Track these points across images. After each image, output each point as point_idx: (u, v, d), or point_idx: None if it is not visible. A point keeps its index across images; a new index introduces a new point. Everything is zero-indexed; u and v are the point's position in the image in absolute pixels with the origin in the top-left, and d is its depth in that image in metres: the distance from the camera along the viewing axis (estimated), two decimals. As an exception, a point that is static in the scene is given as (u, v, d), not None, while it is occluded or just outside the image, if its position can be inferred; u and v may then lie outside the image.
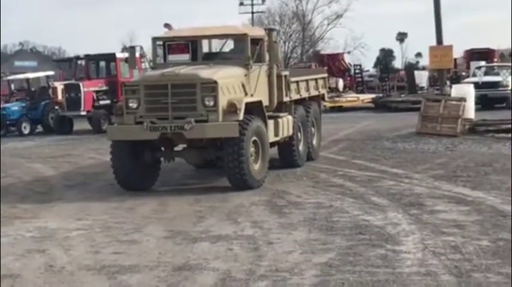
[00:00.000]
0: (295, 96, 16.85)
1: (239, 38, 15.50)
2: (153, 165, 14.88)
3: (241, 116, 13.78)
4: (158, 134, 13.80)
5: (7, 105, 34.25)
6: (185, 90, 13.74)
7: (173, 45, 15.77)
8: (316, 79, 18.73)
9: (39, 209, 12.88)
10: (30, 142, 28.25)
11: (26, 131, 32.26)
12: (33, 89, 35.04)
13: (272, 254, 9.02)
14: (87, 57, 33.66)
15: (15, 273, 8.51)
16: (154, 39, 15.80)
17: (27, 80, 35.82)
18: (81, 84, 31.29)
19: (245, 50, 15.08)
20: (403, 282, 7.58)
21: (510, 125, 22.02)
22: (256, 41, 15.36)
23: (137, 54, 16.60)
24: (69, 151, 23.17)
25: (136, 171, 14.40)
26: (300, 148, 17.09)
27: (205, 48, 16.11)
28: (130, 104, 13.99)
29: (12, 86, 38.15)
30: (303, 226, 10.65)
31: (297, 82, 17.11)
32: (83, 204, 13.24)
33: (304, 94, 17.60)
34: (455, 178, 14.61)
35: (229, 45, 16.42)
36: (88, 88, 31.38)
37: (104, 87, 31.94)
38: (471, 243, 9.13)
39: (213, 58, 15.65)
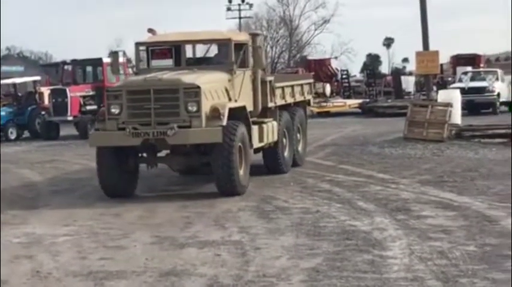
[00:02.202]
0: (280, 101, 16.71)
1: (223, 43, 15.42)
2: (134, 171, 14.67)
3: (224, 122, 13.60)
4: (140, 140, 13.59)
5: (-6, 110, 34.10)
6: (168, 95, 13.59)
7: (156, 50, 15.72)
8: (301, 85, 18.61)
9: (27, 215, 12.84)
10: (17, 147, 28.17)
11: (13, 137, 32.15)
12: (20, 94, 34.94)
13: (259, 259, 9.03)
14: (74, 62, 33.65)
15: (3, 279, 8.47)
16: (138, 44, 15.66)
17: (14, 85, 35.69)
18: (67, 90, 31.23)
19: (229, 55, 14.97)
20: (390, 287, 7.61)
21: (499, 131, 22.16)
22: (240, 46, 15.25)
23: (121, 60, 16.48)
24: (56, 157, 23.11)
25: (121, 177, 14.21)
26: (286, 154, 16.91)
27: (189, 53, 16.07)
28: (113, 110, 13.77)
29: (-1, 91, 38.00)
30: (290, 231, 10.66)
31: (282, 87, 16.98)
32: (70, 210, 13.20)
33: (289, 100, 17.46)
34: (442, 183, 14.67)
35: (214, 50, 16.37)
36: (75, 93, 31.31)
37: (91, 93, 31.87)
38: (458, 248, 9.16)
39: (196, 63, 15.58)
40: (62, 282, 8.33)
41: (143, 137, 13.55)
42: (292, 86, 17.73)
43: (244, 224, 11.31)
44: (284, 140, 16.87)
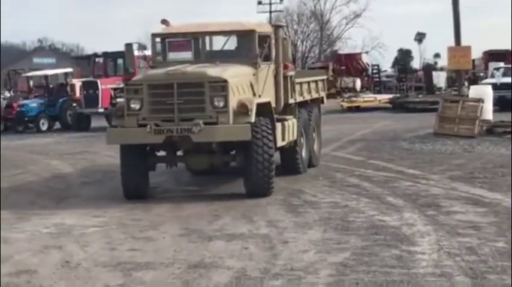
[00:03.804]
0: (298, 98, 15.87)
1: (246, 35, 14.44)
2: (150, 171, 13.82)
3: (253, 118, 12.80)
4: (163, 137, 12.77)
5: (26, 101, 34.47)
6: (192, 90, 12.78)
7: (174, 42, 14.87)
8: (316, 81, 17.73)
9: (57, 206, 12.94)
10: (48, 139, 28.41)
11: (44, 128, 32.47)
12: (51, 86, 35.25)
13: (287, 253, 9.03)
14: (105, 54, 33.85)
15: (32, 269, 8.56)
16: (154, 35, 14.67)
17: (46, 77, 36.01)
18: (99, 82, 31.48)
19: (252, 47, 14.16)
20: (418, 283, 7.56)
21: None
22: (263, 38, 14.43)
23: (137, 53, 15.89)
24: (86, 148, 23.27)
25: (143, 178, 13.51)
26: (303, 153, 16.07)
27: (207, 46, 15.17)
28: (133, 105, 12.92)
29: (31, 83, 38.34)
30: (318, 225, 10.65)
31: (301, 83, 16.11)
32: (100, 201, 13.29)
33: (307, 96, 16.58)
34: (472, 179, 14.56)
35: (233, 42, 15.35)
36: (106, 85, 31.55)
37: (122, 85, 31.95)
38: (487, 245, 9.10)
39: (217, 56, 14.53)
40: (91, 272, 8.38)
41: (166, 134, 12.75)
42: (309, 83, 16.90)
43: (272, 217, 11.31)
44: (301, 139, 16.02)
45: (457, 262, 8.30)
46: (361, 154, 19.31)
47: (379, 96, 44.55)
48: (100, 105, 31.21)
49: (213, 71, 13.12)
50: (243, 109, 12.87)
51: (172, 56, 14.64)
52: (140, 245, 9.67)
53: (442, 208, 11.69)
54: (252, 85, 13.68)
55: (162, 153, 14.07)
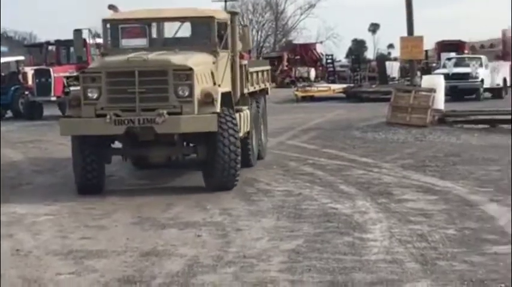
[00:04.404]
0: (251, 88, 15.33)
1: (204, 22, 13.80)
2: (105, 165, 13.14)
3: (218, 108, 12.26)
4: (124, 128, 12.11)
5: (-23, 90, 33.94)
6: (155, 78, 12.16)
7: (128, 28, 14.09)
8: (263, 71, 17.01)
9: (8, 194, 12.79)
10: (-1, 127, 28.02)
11: (-5, 116, 31.99)
12: (3, 74, 34.73)
13: (240, 240, 9.06)
14: (58, 42, 33.44)
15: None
16: (105, 21, 13.80)
17: (-3, 65, 35.49)
18: (51, 70, 31.10)
19: (212, 34, 13.50)
20: (369, 269, 7.64)
21: (481, 116, 22.29)
22: (221, 26, 13.84)
23: (88, 40, 15.02)
24: (38, 137, 23.01)
25: (100, 172, 12.81)
26: (254, 145, 15.42)
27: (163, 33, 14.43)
28: (90, 94, 12.20)
29: (-18, 71, 37.79)
30: (272, 213, 10.69)
31: (252, 73, 15.52)
32: (52, 190, 13.17)
33: (257, 87, 15.99)
34: (424, 168, 14.73)
35: (188, 29, 14.62)
36: (58, 74, 31.19)
37: (75, 73, 31.68)
38: (437, 232, 9.22)
39: (173, 43, 13.79)
40: (42, 260, 8.32)
41: (127, 124, 12.09)
42: (257, 73, 16.24)
43: (226, 206, 11.31)
44: (252, 131, 15.31)
45: (408, 249, 8.40)
46: (314, 143, 19.41)
47: (333, 86, 44.74)
48: (52, 93, 30.85)
49: (177, 58, 12.55)
50: (207, 99, 12.31)
51: (125, 43, 13.89)
52: (92, 234, 9.62)
53: (393, 196, 11.82)
54: (212, 74, 13.07)
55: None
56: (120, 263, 8.14)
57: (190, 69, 12.24)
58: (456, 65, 37.21)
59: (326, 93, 41.67)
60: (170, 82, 12.19)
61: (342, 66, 64.26)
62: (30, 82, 32.69)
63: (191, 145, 13.31)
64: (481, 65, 37.21)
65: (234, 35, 14.15)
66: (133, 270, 7.83)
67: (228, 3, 76.54)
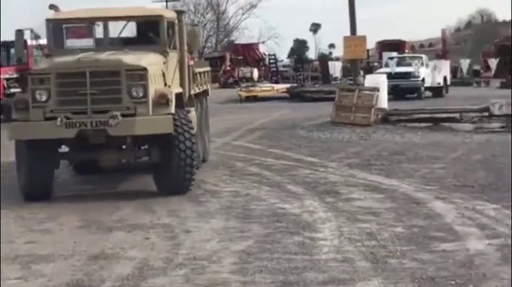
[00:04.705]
0: (196, 89, 15.08)
1: (154, 21, 13.32)
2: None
3: (173, 109, 11.93)
4: (75, 131, 11.63)
5: None
6: (108, 79, 11.72)
7: (73, 28, 13.50)
8: (205, 72, 16.70)
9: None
10: None
11: None
12: None
13: (190, 242, 8.98)
14: (-3, 44, 32.93)
15: None
16: (49, 21, 13.20)
17: None
18: (-10, 72, 30.61)
19: (161, 34, 13.07)
20: (321, 268, 7.64)
21: (424, 115, 22.56)
22: (170, 25, 13.46)
23: (30, 41, 14.38)
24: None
25: (48, 178, 12.34)
26: (199, 148, 14.77)
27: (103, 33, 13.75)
28: (38, 97, 11.70)
29: None
30: (220, 214, 10.64)
31: (197, 74, 15.26)
32: (-3, 194, 12.91)
33: (201, 88, 15.73)
34: (369, 166, 14.83)
35: (135, 29, 14.34)
36: (-2, 76, 30.72)
37: (15, 75, 31.30)
38: (386, 230, 9.27)
39: (121, 43, 13.42)
40: (-12, 266, 8.16)
41: (79, 127, 11.61)
42: (201, 74, 15.96)
43: (173, 207, 11.21)
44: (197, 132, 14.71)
45: (358, 248, 8.42)
46: (260, 143, 19.41)
47: (277, 86, 44.90)
48: (-8, 95, 30.39)
49: (129, 58, 12.12)
50: (162, 100, 11.91)
51: (70, 43, 13.40)
52: (38, 238, 9.45)
53: (341, 195, 11.86)
54: (164, 75, 12.66)
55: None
56: (68, 267, 8.01)
57: (144, 69, 11.85)
58: (398, 64, 37.62)
59: (270, 93, 41.78)
60: (123, 83, 11.76)
61: (284, 66, 64.56)
62: (-31, 84, 32.12)
63: (143, 147, 13.05)
64: (422, 64, 37.69)
65: (182, 34, 13.82)
66: (82, 274, 7.71)
67: (169, 3, 76.50)
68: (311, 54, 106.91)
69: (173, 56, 13.32)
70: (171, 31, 13.42)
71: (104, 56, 12.06)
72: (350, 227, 9.52)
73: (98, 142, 12.11)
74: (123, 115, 11.61)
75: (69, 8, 14.16)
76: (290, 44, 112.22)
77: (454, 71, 51.86)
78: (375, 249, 8.31)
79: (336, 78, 51.02)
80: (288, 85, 44.29)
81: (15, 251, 8.75)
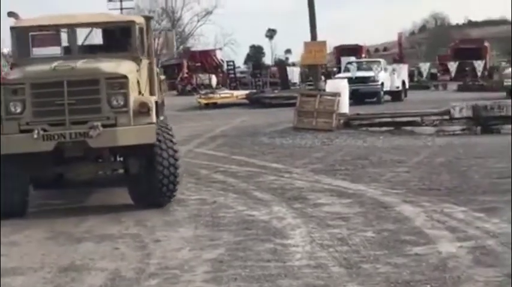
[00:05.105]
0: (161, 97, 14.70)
1: (124, 27, 12.78)
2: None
3: (154, 118, 11.49)
4: (54, 144, 11.05)
5: None
6: (86, 88, 11.17)
7: (39, 35, 12.85)
8: (163, 80, 16.42)
9: None
10: None
11: None
12: None
13: (160, 251, 8.89)
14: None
15: None
16: (14, 29, 12.51)
17: None
18: None
19: (133, 40, 12.52)
20: (295, 275, 7.60)
21: (386, 119, 22.70)
22: (140, 31, 12.90)
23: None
24: None
25: (25, 193, 11.70)
26: None
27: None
28: (12, 108, 11.10)
29: None
30: (189, 222, 10.55)
31: (162, 81, 15.06)
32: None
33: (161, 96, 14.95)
34: (334, 172, 14.84)
35: (97, 36, 13.80)
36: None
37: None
38: (357, 235, 9.26)
39: (89, 51, 12.89)
40: (-45, 281, 8.00)
41: (57, 140, 11.05)
42: (161, 81, 15.47)
43: (140, 217, 11.08)
44: None
45: (330, 253, 8.40)
46: (223, 150, 19.35)
47: (236, 93, 44.90)
48: None
49: (107, 66, 11.58)
50: (143, 108, 11.42)
51: (37, 51, 12.79)
52: (4, 251, 9.26)
53: (308, 201, 11.84)
54: (138, 82, 12.16)
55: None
56: (38, 279, 7.88)
57: (125, 76, 11.38)
58: (358, 69, 37.83)
59: (229, 99, 41.77)
60: (103, 92, 11.22)
61: (242, 72, 64.59)
62: None
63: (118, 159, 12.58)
64: (381, 69, 37.95)
65: (151, 40, 13.35)
66: (53, 286, 7.59)
67: (124, 11, 76.14)
68: (267, 60, 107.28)
69: (145, 64, 12.89)
70: (141, 37, 12.91)
71: (81, 64, 11.47)
72: (320, 232, 9.49)
73: (75, 155, 11.61)
74: (103, 125, 11.09)
75: (28, 15, 13.60)
76: (246, 50, 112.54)
77: (411, 74, 52.31)
78: (348, 254, 8.30)
79: (294, 84, 51.18)
80: (247, 91, 44.31)
81: (-17, 265, 8.60)
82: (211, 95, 42.65)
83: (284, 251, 8.60)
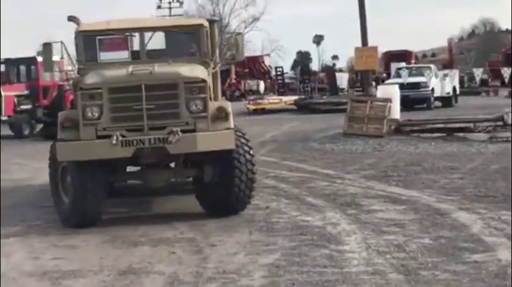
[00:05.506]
0: None
1: (193, 30, 12.24)
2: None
3: (232, 123, 11.20)
4: (132, 150, 10.74)
5: None
6: (164, 92, 10.91)
7: (106, 40, 12.50)
8: None
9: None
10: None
11: None
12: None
13: (216, 256, 8.93)
14: (7, 61, 33.02)
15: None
16: (81, 33, 12.07)
17: None
18: (1, 89, 30.67)
19: (202, 44, 12.05)
20: (353, 281, 7.59)
21: (438, 125, 22.53)
22: (207, 35, 12.34)
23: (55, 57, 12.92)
24: (-9, 157, 22.57)
25: (103, 201, 11.47)
26: None
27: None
28: (90, 114, 10.81)
29: None
30: (243, 227, 10.57)
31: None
32: (15, 210, 12.86)
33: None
34: (386, 178, 14.77)
35: (158, 39, 13.05)
36: (8, 93, 30.80)
37: (25, 92, 31.40)
38: (413, 241, 9.20)
39: (157, 56, 12.33)
40: (18, 282, 8.13)
41: (136, 146, 10.73)
42: None
43: (194, 222, 11.15)
44: None
45: (387, 260, 8.36)
46: (273, 155, 19.37)
47: (285, 98, 44.89)
48: (3, 113, 30.46)
49: (186, 70, 11.24)
50: (220, 113, 11.16)
51: (104, 56, 12.30)
52: (64, 254, 9.41)
53: (362, 207, 11.80)
54: (209, 87, 11.59)
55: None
56: (98, 282, 7.98)
57: (204, 81, 11.09)
58: (410, 74, 37.58)
59: (277, 105, 41.78)
60: (181, 96, 10.92)
61: (290, 78, 64.58)
62: (-21, 102, 32.21)
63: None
64: (433, 74, 37.68)
65: (215, 45, 12.68)
66: (113, 290, 7.70)
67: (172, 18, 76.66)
68: (314, 66, 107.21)
69: (212, 68, 12.32)
70: (207, 41, 12.31)
71: (158, 68, 11.11)
72: (376, 239, 9.46)
73: (151, 161, 11.36)
74: (181, 131, 10.77)
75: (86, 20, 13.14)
76: (293, 56, 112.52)
77: (461, 80, 51.85)
78: (405, 261, 8.26)
79: (342, 90, 51.05)
80: (295, 97, 44.29)
81: (42, 267, 8.72)
82: (259, 101, 42.71)
83: (340, 257, 8.58)
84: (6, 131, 30.99)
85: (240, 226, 10.70)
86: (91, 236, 10.43)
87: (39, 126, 30.52)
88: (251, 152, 11.50)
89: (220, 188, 11.37)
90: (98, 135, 10.82)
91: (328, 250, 8.95)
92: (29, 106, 30.97)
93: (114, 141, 10.62)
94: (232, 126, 11.19)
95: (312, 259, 8.53)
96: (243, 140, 11.46)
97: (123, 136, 10.71)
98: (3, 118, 30.57)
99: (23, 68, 32.95)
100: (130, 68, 11.12)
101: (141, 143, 10.75)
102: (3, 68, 33.21)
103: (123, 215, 12.27)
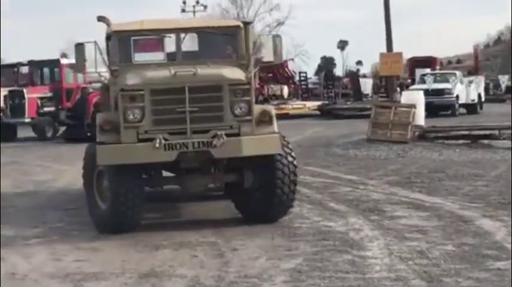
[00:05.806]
0: None
1: (230, 32, 11.85)
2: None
3: (276, 127, 10.92)
4: (175, 154, 10.42)
5: None
6: (208, 95, 10.60)
7: (141, 40, 12.00)
8: None
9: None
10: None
11: (-32, 139, 31.59)
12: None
13: (238, 260, 8.91)
14: (31, 63, 33.25)
15: (-24, 282, 8.28)
16: (115, 33, 11.58)
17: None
18: (25, 91, 30.89)
19: (239, 46, 11.64)
20: (376, 287, 7.55)
21: (462, 132, 22.39)
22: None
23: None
24: (15, 158, 22.72)
25: (141, 206, 11.02)
26: None
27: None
28: (131, 116, 10.46)
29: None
30: (265, 232, 10.52)
31: None
32: (37, 212, 12.92)
33: None
34: (410, 184, 14.69)
35: (204, 41, 12.37)
36: (32, 95, 31.04)
37: (49, 94, 31.60)
38: (436, 248, 9.14)
39: (193, 57, 11.92)
40: (40, 284, 8.15)
41: (179, 149, 10.40)
42: None
43: (216, 226, 11.13)
44: None
45: (410, 266, 8.30)
46: (296, 160, 19.24)
47: (308, 104, 44.86)
48: (26, 114, 30.69)
49: (228, 72, 10.91)
50: (264, 117, 10.87)
51: (139, 57, 11.81)
52: (86, 256, 9.43)
53: (385, 213, 11.74)
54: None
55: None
56: (120, 285, 7.99)
57: (249, 83, 10.77)
58: (435, 80, 37.45)
59: (301, 110, 41.79)
60: (225, 99, 10.61)
61: (314, 83, 64.41)
62: (2, 104, 32.42)
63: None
64: (458, 81, 37.53)
65: (249, 47, 12.05)
66: (134, 292, 7.69)
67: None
68: (338, 71, 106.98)
69: (250, 71, 11.68)
70: (243, 43, 11.85)
71: (201, 70, 10.76)
72: (399, 245, 9.40)
73: (192, 166, 11.05)
74: (226, 135, 10.47)
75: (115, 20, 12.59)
76: (317, 61, 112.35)
77: (486, 87, 51.59)
78: (428, 267, 8.20)
79: (366, 95, 50.91)
80: (319, 102, 44.25)
81: (64, 269, 8.74)
82: (283, 106, 42.66)
83: (363, 263, 8.54)
84: (29, 133, 31.20)
85: (262, 230, 10.66)
86: (113, 239, 10.44)
87: (62, 128, 30.67)
88: (293, 154, 11.20)
89: (262, 193, 11.08)
90: (139, 139, 10.48)
91: (351, 256, 8.90)
92: (52, 108, 31.16)
93: (157, 145, 10.32)
94: (276, 130, 10.89)
95: (334, 265, 8.49)
96: (284, 142, 11.19)
97: (165, 139, 10.41)
98: (27, 120, 30.79)
99: (46, 70, 33.17)
100: (172, 70, 10.77)
101: (185, 146, 10.44)
102: (26, 70, 33.50)
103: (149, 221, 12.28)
